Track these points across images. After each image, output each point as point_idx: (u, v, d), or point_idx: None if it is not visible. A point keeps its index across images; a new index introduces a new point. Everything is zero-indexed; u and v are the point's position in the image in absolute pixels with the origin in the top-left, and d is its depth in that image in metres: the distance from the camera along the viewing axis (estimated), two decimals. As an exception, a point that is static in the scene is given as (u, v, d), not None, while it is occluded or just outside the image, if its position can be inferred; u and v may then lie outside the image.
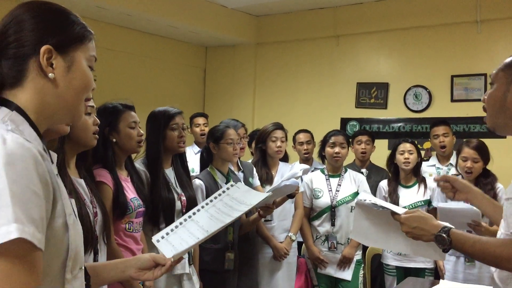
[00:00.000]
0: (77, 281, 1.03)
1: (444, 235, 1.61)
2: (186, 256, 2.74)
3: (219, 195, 1.82)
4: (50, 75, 1.02)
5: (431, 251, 1.69)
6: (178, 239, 1.57)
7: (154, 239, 1.62)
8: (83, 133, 1.99)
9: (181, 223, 1.65)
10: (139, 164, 2.70)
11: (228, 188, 1.87)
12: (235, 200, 1.79)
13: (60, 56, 1.04)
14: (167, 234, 1.62)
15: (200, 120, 5.08)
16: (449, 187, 1.99)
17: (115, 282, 2.18)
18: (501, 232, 1.60)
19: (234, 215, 1.70)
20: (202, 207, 1.74)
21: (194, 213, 1.70)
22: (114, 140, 2.42)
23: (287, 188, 2.97)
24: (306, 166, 3.15)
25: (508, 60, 1.61)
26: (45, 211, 0.91)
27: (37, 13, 1.04)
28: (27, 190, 0.87)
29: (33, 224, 0.86)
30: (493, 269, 1.61)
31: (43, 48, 1.02)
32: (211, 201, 1.78)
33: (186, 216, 1.69)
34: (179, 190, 2.79)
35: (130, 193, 2.41)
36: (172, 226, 1.65)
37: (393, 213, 1.80)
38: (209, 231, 1.61)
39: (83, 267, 1.07)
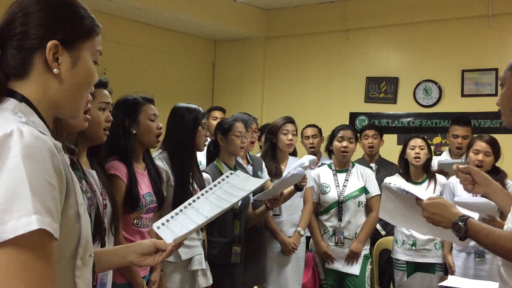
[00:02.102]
0: (87, 268, 1.05)
1: (461, 223, 1.66)
2: (202, 252, 2.76)
3: (219, 182, 1.85)
4: (55, 70, 1.03)
5: (453, 235, 1.73)
6: (178, 225, 1.60)
7: (155, 226, 1.64)
8: (94, 128, 2.00)
9: (181, 210, 1.68)
10: (157, 160, 2.70)
11: (227, 176, 1.90)
12: (235, 187, 1.83)
13: (66, 52, 1.04)
14: (167, 221, 1.64)
15: (217, 114, 5.07)
16: (469, 180, 1.99)
17: (117, 272, 2.21)
18: (508, 226, 1.64)
19: (232, 201, 1.74)
20: (202, 194, 1.77)
21: (194, 201, 1.73)
22: (134, 131, 2.43)
23: (293, 178, 2.98)
24: (313, 157, 3.15)
25: None
26: (59, 202, 0.93)
27: (46, 6, 1.04)
28: (44, 182, 0.89)
29: (50, 215, 0.88)
30: (499, 261, 1.63)
31: (49, 43, 1.02)
32: (210, 188, 1.81)
33: (186, 203, 1.72)
34: (195, 185, 2.81)
35: (144, 188, 2.42)
36: (172, 213, 1.68)
37: (417, 198, 1.87)
38: (208, 216, 1.63)
39: (92, 255, 1.09)
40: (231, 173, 1.93)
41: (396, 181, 2.09)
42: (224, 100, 6.56)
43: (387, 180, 2.12)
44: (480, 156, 3.37)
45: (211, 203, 1.70)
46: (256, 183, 2.02)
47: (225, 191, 1.79)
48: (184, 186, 2.69)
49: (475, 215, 1.77)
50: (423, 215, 1.80)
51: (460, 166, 2.03)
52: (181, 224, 1.60)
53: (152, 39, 6.18)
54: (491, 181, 1.98)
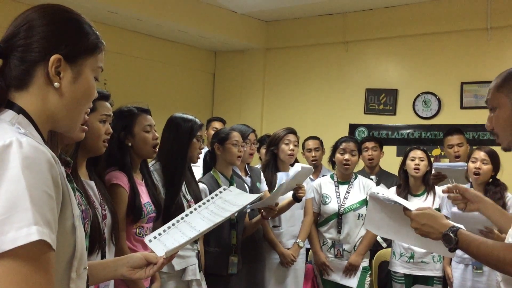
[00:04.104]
0: (81, 281, 1.05)
1: (451, 234, 1.62)
2: (196, 262, 2.75)
3: (212, 198, 1.86)
4: (56, 84, 1.03)
5: (440, 247, 1.69)
6: (170, 238, 1.61)
7: (147, 239, 1.65)
8: (93, 141, 2.01)
9: (173, 224, 1.69)
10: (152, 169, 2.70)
11: (221, 192, 1.91)
12: (228, 202, 1.84)
13: (69, 66, 1.05)
14: (160, 234, 1.65)
15: (217, 124, 5.08)
16: (459, 198, 1.98)
17: (120, 282, 2.21)
18: (510, 241, 1.60)
19: (225, 215, 1.75)
20: (195, 209, 1.78)
21: (186, 215, 1.74)
22: (130, 144, 2.42)
23: (288, 185, 2.98)
24: (306, 165, 3.16)
25: (497, 81, 1.62)
26: (56, 213, 0.93)
27: (51, 21, 1.04)
28: (43, 193, 0.89)
29: (49, 226, 0.89)
30: (499, 277, 1.60)
31: (52, 58, 1.02)
32: (204, 203, 1.82)
33: (178, 217, 1.73)
34: (188, 196, 2.80)
35: (144, 197, 2.42)
36: (165, 227, 1.69)
37: (405, 209, 1.83)
38: (200, 230, 1.64)
39: (87, 267, 1.09)
40: (224, 189, 1.94)
41: (383, 191, 2.06)
42: (224, 111, 6.57)
43: (375, 189, 2.09)
44: (477, 164, 3.38)
45: (203, 218, 1.72)
46: (249, 198, 2.03)
47: (218, 206, 1.80)
48: (173, 197, 2.67)
49: (463, 228, 1.73)
50: (411, 226, 1.76)
51: (449, 186, 2.01)
52: (173, 237, 1.61)
53: (153, 50, 6.21)
54: (482, 197, 1.96)
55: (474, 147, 3.75)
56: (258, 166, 3.85)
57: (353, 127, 6.03)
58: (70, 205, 0.99)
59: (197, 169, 3.44)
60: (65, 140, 1.57)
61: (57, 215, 0.93)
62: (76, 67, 1.06)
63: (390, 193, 2.05)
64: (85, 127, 1.50)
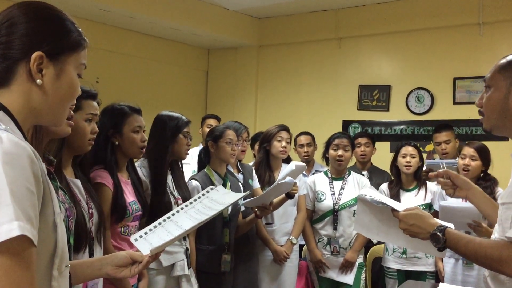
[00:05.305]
0: (63, 279, 1.05)
1: (439, 233, 1.62)
2: (184, 257, 2.76)
3: (199, 197, 1.87)
4: (38, 81, 1.03)
5: (430, 247, 1.69)
6: (156, 237, 1.61)
7: (132, 238, 1.65)
8: (79, 140, 2.00)
9: (160, 223, 1.69)
10: (138, 167, 2.70)
11: (208, 191, 1.92)
12: (214, 202, 1.84)
13: (51, 63, 1.05)
14: (146, 233, 1.65)
15: (212, 122, 5.07)
16: (449, 184, 1.99)
17: (108, 282, 2.20)
18: (495, 237, 1.60)
19: (210, 214, 1.75)
20: (182, 208, 1.78)
21: (173, 214, 1.74)
22: (117, 143, 2.41)
23: (282, 186, 2.98)
24: (300, 163, 3.15)
25: (503, 61, 1.59)
26: (37, 209, 0.93)
27: (32, 18, 1.04)
28: (24, 189, 0.89)
29: (30, 222, 0.88)
30: (486, 272, 1.61)
31: (34, 55, 1.02)
32: (190, 203, 1.82)
33: (165, 217, 1.73)
34: (176, 193, 2.80)
35: (130, 196, 2.41)
36: (151, 226, 1.69)
37: (393, 210, 1.83)
38: (185, 228, 1.65)
39: (68, 265, 1.08)
40: (211, 188, 1.95)
41: (371, 192, 2.06)
42: (218, 108, 6.56)
43: (363, 192, 2.09)
44: (466, 161, 3.40)
45: (190, 216, 1.72)
46: (235, 197, 2.03)
47: (205, 205, 1.81)
48: (160, 194, 2.67)
49: (451, 226, 1.73)
50: (400, 226, 1.76)
51: (440, 170, 2.02)
52: (158, 236, 1.61)
53: (145, 48, 6.19)
54: (471, 185, 1.97)
55: (466, 142, 3.75)
56: (251, 163, 3.85)
57: (346, 124, 6.04)
58: (51, 202, 0.99)
59: (188, 167, 3.44)
60: (51, 134, 1.56)
61: (38, 211, 0.93)
62: (58, 64, 1.05)
63: (378, 195, 2.05)
64: (71, 122, 1.49)
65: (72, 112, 1.41)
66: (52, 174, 1.61)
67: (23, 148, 0.92)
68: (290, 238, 3.56)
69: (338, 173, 3.76)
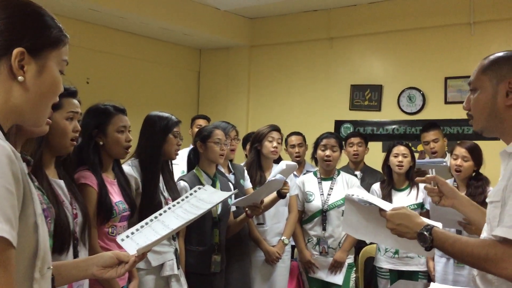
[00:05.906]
0: (45, 281, 1.03)
1: (426, 233, 1.61)
2: (174, 257, 2.74)
3: (186, 197, 1.86)
4: (20, 78, 1.01)
5: (418, 247, 1.68)
6: (143, 237, 1.60)
7: (119, 238, 1.64)
8: (60, 139, 1.96)
9: (147, 223, 1.68)
10: (128, 167, 2.68)
11: (195, 191, 1.91)
12: (202, 201, 1.84)
13: (33, 60, 1.03)
14: (132, 233, 1.64)
15: (202, 122, 5.06)
16: (436, 191, 1.97)
17: (96, 282, 2.18)
18: (484, 236, 1.58)
19: (198, 213, 1.74)
20: (169, 208, 1.77)
21: (160, 214, 1.73)
22: (101, 143, 2.38)
23: (273, 184, 2.96)
24: (291, 162, 3.14)
25: (485, 62, 1.58)
26: (17, 210, 0.90)
27: (12, 14, 1.02)
28: (3, 189, 0.87)
29: (9, 222, 0.86)
30: (475, 272, 1.60)
31: (15, 51, 1.00)
32: (178, 203, 1.81)
33: (152, 216, 1.72)
34: (166, 194, 2.78)
35: (116, 196, 2.38)
36: (138, 226, 1.68)
37: (380, 209, 1.81)
38: (172, 228, 1.64)
39: (50, 267, 1.06)
40: (199, 188, 1.94)
41: (359, 192, 2.04)
42: (210, 109, 6.55)
43: (350, 191, 2.08)
44: (458, 161, 3.40)
45: (177, 216, 1.71)
46: (223, 195, 2.02)
47: (192, 204, 1.80)
48: (151, 194, 2.66)
49: (439, 225, 1.72)
50: (387, 226, 1.75)
51: (428, 176, 2.00)
52: (145, 236, 1.60)
53: (136, 48, 6.16)
54: (457, 193, 1.95)
55: (458, 142, 3.75)
56: (243, 163, 3.83)
57: (338, 124, 6.03)
58: (32, 203, 0.97)
59: (177, 167, 3.42)
60: (28, 133, 1.52)
61: (18, 212, 0.91)
62: (40, 60, 1.04)
63: (366, 194, 2.04)
64: (49, 120, 1.46)
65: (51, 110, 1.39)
66: (30, 175, 1.59)
67: (1, 147, 0.90)
68: (282, 239, 3.55)
69: (327, 173, 3.75)
